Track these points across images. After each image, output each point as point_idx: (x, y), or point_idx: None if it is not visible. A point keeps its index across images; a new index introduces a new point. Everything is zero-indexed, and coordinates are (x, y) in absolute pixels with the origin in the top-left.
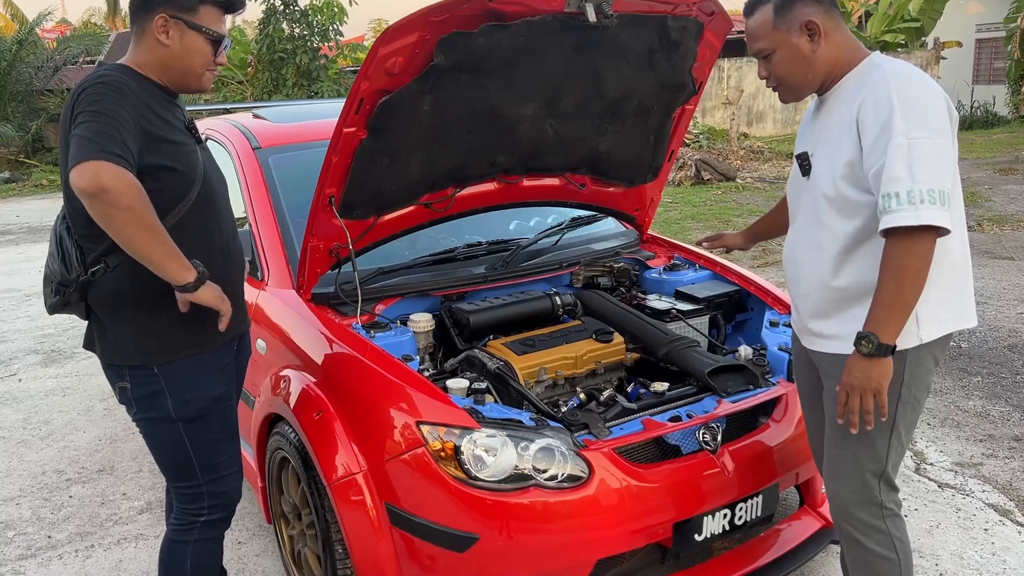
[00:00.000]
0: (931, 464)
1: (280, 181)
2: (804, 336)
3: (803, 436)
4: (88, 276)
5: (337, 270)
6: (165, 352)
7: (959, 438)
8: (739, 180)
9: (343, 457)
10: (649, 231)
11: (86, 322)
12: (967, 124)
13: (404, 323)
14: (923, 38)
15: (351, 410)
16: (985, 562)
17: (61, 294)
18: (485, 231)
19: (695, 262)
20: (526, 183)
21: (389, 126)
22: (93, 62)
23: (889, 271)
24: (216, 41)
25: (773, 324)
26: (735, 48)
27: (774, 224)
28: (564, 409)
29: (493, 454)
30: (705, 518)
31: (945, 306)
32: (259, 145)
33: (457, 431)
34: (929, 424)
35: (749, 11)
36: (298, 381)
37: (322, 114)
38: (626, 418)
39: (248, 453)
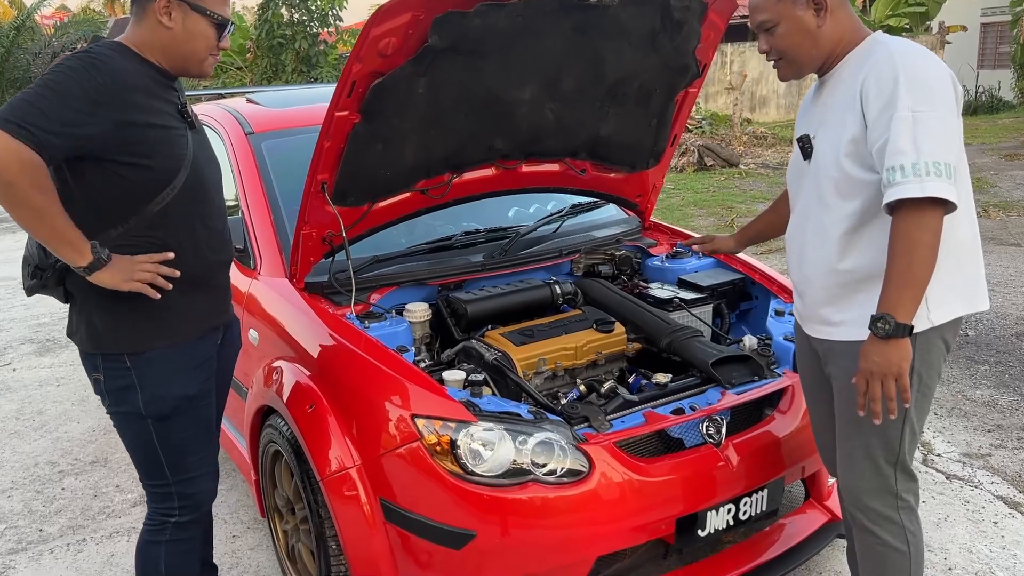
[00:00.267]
0: (938, 455)
1: (273, 167)
2: (808, 324)
3: (809, 428)
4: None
5: (331, 259)
6: (139, 341)
7: (967, 428)
8: (742, 166)
9: (336, 451)
10: (651, 218)
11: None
12: (972, 109)
13: (400, 313)
14: (928, 22)
15: (345, 403)
16: (995, 556)
17: (38, 277)
18: (483, 218)
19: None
20: (525, 169)
21: (383, 110)
22: None
23: (898, 248)
24: (220, 25)
25: (778, 313)
26: (738, 33)
27: (769, 225)
28: (564, 401)
29: (490, 448)
30: (709, 513)
31: (955, 288)
32: (252, 130)
33: (453, 425)
34: (936, 414)
35: None
36: (291, 373)
37: (317, 98)
38: (627, 411)
39: (241, 445)
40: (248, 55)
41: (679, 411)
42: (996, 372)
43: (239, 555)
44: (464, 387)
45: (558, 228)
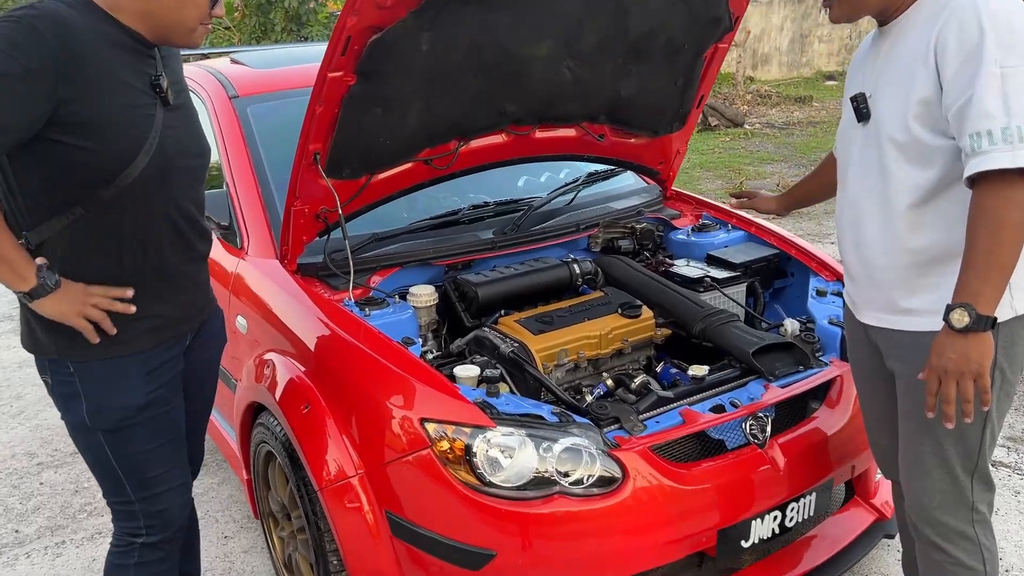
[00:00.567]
0: None
1: (261, 135)
2: (864, 311)
3: (859, 420)
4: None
5: (326, 237)
6: (77, 351)
7: (1011, 409)
8: (747, 126)
9: (336, 457)
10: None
11: None
12: None
13: (403, 297)
14: None
15: (344, 403)
16: None
17: None
18: (492, 190)
19: (727, 221)
20: (538, 135)
21: (381, 70)
22: None
23: (980, 227)
24: None
25: (820, 293)
26: None
27: (818, 186)
28: (589, 398)
29: (510, 455)
30: (753, 522)
31: None
32: (236, 94)
33: (468, 430)
34: None
35: None
36: (283, 368)
37: (308, 58)
38: (662, 409)
39: (232, 439)
40: (236, 14)
41: (719, 408)
42: None
43: (232, 559)
44: (479, 384)
45: (573, 199)
